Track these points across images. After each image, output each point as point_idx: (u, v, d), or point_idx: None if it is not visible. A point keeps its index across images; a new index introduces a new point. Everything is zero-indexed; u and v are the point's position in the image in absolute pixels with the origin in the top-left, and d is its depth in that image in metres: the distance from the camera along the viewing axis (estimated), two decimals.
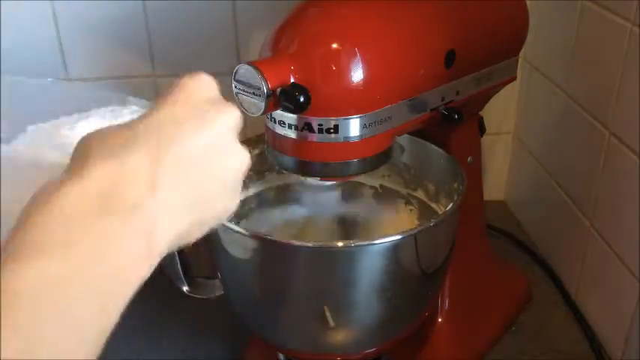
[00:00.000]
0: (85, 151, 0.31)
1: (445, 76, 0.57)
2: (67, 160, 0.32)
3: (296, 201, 0.72)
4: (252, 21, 0.87)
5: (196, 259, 0.65)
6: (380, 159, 0.55)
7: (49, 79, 0.58)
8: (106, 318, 0.29)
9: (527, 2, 0.67)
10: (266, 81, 0.47)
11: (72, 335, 0.27)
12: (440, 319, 0.71)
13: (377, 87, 0.51)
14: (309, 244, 0.52)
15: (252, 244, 0.55)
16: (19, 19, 0.85)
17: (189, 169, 0.34)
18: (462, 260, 0.66)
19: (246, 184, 0.69)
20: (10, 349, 0.24)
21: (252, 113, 0.49)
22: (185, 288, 0.65)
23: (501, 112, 0.97)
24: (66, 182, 0.29)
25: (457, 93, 0.59)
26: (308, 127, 0.51)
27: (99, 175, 0.29)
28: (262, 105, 0.48)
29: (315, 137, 0.51)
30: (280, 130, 0.52)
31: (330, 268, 0.54)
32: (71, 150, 0.32)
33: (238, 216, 0.69)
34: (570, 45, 0.79)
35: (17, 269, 0.26)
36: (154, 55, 0.88)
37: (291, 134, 0.52)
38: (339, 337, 0.59)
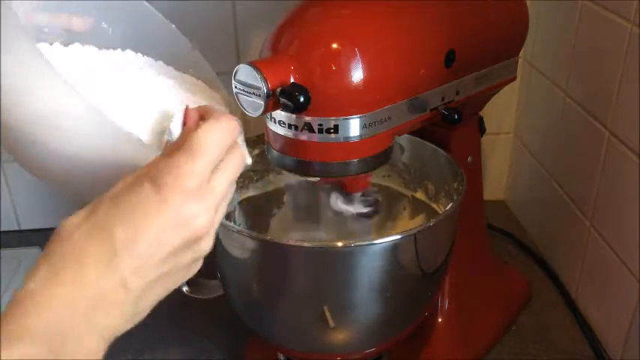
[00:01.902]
0: (71, 255, 0.37)
1: (445, 76, 0.57)
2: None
3: (296, 201, 0.73)
4: (252, 21, 0.87)
5: None
6: (380, 159, 0.55)
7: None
8: None
9: (527, 2, 0.67)
10: (266, 81, 0.47)
11: None
12: (440, 319, 0.71)
13: (377, 87, 0.51)
14: (309, 244, 0.52)
15: (252, 244, 0.55)
16: None
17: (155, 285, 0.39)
18: (462, 260, 0.66)
19: (246, 185, 0.70)
20: None
21: (252, 113, 0.49)
22: (185, 288, 0.65)
23: (501, 112, 0.97)
24: (52, 289, 0.36)
25: (457, 93, 0.59)
26: (308, 127, 0.51)
27: (79, 295, 0.36)
28: (262, 105, 0.48)
29: (315, 137, 0.51)
30: (280, 130, 0.52)
31: (330, 268, 0.54)
32: None
33: (238, 216, 0.69)
34: (570, 45, 0.79)
35: (6, 352, 0.33)
36: None
37: (292, 134, 0.52)
38: (339, 337, 0.59)
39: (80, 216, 0.38)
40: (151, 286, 0.38)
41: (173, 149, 0.39)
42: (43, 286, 0.36)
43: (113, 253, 0.37)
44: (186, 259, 0.40)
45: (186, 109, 0.43)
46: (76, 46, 0.51)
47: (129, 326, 0.39)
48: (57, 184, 0.51)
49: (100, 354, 0.38)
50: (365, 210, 0.62)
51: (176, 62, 0.56)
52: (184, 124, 0.43)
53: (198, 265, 0.42)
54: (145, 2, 0.56)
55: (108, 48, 0.53)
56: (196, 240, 0.40)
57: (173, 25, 0.57)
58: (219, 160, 0.40)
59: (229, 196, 0.43)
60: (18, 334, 0.34)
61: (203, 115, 0.43)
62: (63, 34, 0.51)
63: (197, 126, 0.40)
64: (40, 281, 0.36)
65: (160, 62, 0.55)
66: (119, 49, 0.54)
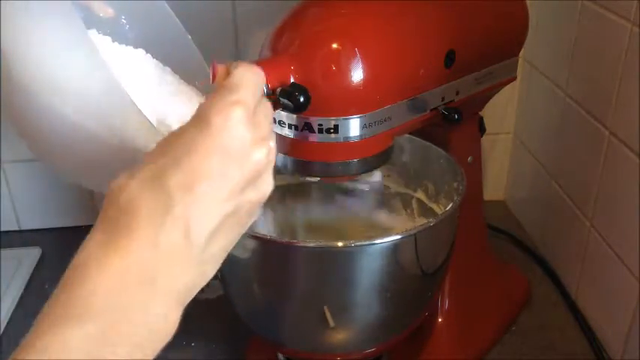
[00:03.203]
0: (124, 216, 0.34)
1: (445, 76, 0.57)
2: None
3: (296, 201, 0.73)
4: (252, 21, 0.87)
5: None
6: (380, 159, 0.55)
7: None
8: None
9: (527, 2, 0.67)
10: (266, 81, 0.47)
11: None
12: (440, 319, 0.71)
13: (377, 87, 0.51)
14: (309, 244, 0.52)
15: (252, 244, 0.55)
16: None
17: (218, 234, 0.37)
18: (462, 260, 0.66)
19: None
20: None
21: None
22: None
23: (501, 112, 0.97)
24: (107, 257, 0.34)
25: (457, 93, 0.59)
26: (308, 127, 0.51)
27: (137, 257, 0.34)
28: None
29: (315, 137, 0.51)
30: (280, 130, 0.52)
31: (330, 268, 0.54)
32: None
33: None
34: (570, 45, 0.79)
35: (67, 333, 0.32)
36: None
37: (292, 134, 0.52)
38: (339, 337, 0.59)
39: (127, 174, 0.35)
40: (215, 233, 0.36)
41: (213, 94, 0.38)
42: (96, 256, 0.34)
43: (169, 201, 0.34)
44: (248, 198, 0.38)
45: (214, 63, 0.42)
46: (93, 32, 0.51)
47: (201, 283, 0.37)
48: (54, 160, 0.50)
49: (175, 317, 0.36)
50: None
51: (185, 72, 0.56)
52: (213, 77, 0.42)
53: (259, 208, 0.40)
54: (169, 9, 0.56)
55: (121, 43, 0.53)
56: (257, 176, 0.38)
57: (189, 36, 0.57)
58: (258, 97, 0.39)
59: (274, 139, 0.41)
60: (73, 314, 0.32)
61: (230, 67, 0.41)
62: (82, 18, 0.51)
63: (226, 76, 0.40)
64: (93, 250, 0.34)
65: (168, 68, 0.55)
66: (131, 47, 0.54)
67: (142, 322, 0.34)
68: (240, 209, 0.37)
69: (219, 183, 0.36)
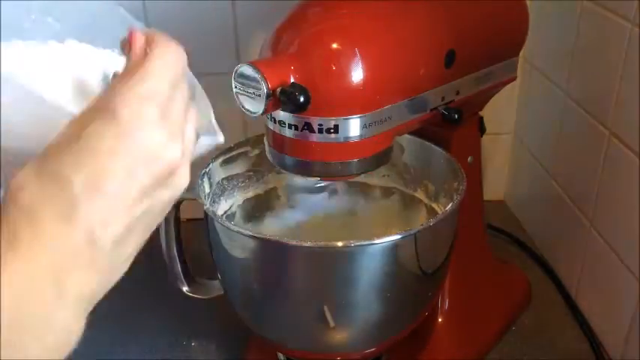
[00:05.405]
0: (25, 218, 0.31)
1: (445, 76, 0.57)
2: None
3: (296, 201, 0.73)
4: (252, 21, 0.87)
5: (196, 259, 0.65)
6: (380, 159, 0.55)
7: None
8: None
9: (527, 2, 0.67)
10: (266, 81, 0.47)
11: None
12: (440, 319, 0.71)
13: (377, 87, 0.51)
14: (309, 244, 0.52)
15: (252, 244, 0.55)
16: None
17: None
18: (462, 260, 0.66)
19: (246, 185, 0.70)
20: None
21: (253, 113, 0.49)
22: (185, 288, 0.65)
23: (501, 112, 0.97)
24: (12, 261, 0.30)
25: (457, 93, 0.59)
26: (308, 127, 0.51)
27: (41, 264, 0.30)
28: (262, 105, 0.48)
29: (315, 137, 0.51)
30: (280, 130, 0.52)
31: (330, 268, 0.54)
32: None
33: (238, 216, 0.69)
34: (570, 45, 0.79)
35: None
36: None
37: (292, 134, 0.52)
38: (339, 337, 0.59)
39: (28, 171, 0.32)
40: (124, 236, 0.33)
41: (124, 75, 0.34)
42: None
43: (73, 204, 0.31)
44: (161, 198, 0.35)
45: (132, 32, 0.38)
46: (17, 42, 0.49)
47: (109, 285, 0.34)
48: None
49: (79, 326, 0.32)
50: None
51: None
52: (129, 48, 0.38)
53: (173, 201, 0.37)
54: None
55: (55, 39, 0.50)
56: (170, 174, 0.35)
57: (122, 9, 0.53)
58: (174, 83, 0.36)
59: (192, 119, 0.38)
60: None
61: (149, 41, 0.37)
62: None
63: (143, 51, 0.36)
64: None
65: (108, 51, 0.52)
66: (55, 41, 0.50)
67: (49, 331, 0.31)
68: (151, 210, 0.34)
69: (127, 185, 0.32)
